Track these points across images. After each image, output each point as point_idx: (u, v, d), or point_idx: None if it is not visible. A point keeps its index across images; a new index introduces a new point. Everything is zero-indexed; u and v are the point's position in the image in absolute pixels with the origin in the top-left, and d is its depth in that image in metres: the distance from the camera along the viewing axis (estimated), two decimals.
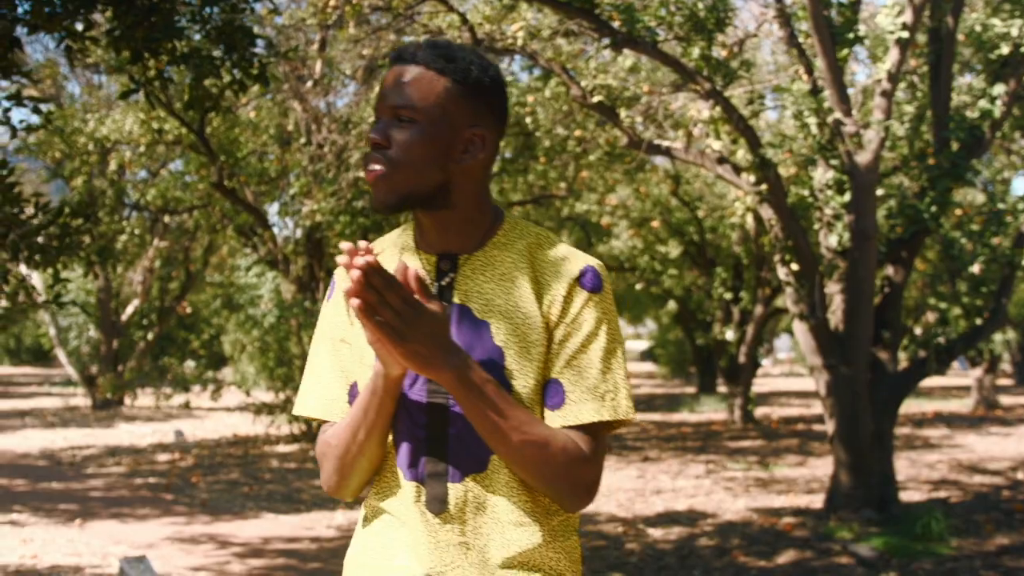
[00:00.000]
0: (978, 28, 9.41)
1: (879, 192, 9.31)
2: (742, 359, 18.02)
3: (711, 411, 21.62)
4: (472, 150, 1.91)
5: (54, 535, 8.58)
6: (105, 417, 20.35)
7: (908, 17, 8.58)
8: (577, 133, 13.99)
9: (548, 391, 1.89)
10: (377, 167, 1.89)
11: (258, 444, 15.61)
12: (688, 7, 8.44)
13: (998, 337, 21.13)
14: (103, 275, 21.25)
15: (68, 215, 6.50)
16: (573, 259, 1.93)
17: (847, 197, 8.75)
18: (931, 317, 14.20)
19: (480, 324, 1.89)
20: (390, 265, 1.98)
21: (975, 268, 9.27)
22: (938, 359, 9.29)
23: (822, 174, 9.05)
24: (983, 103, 9.13)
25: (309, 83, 14.07)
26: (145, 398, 24.19)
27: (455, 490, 1.87)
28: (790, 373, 42.68)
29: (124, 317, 22.67)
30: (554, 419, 1.87)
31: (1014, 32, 8.93)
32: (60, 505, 10.07)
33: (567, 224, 21.42)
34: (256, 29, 10.07)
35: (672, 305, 26.06)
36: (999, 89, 9.07)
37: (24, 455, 14.24)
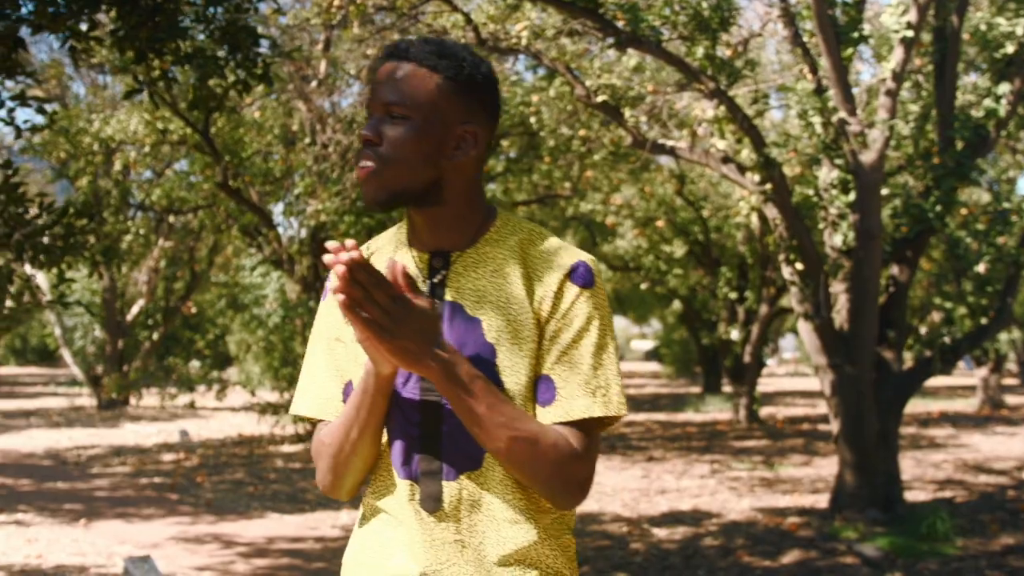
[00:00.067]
0: (983, 27, 9.39)
1: (884, 191, 9.30)
2: (747, 359, 18.00)
3: (716, 411, 21.60)
4: (464, 147, 1.91)
5: (59, 535, 8.59)
6: (110, 417, 20.38)
7: (913, 16, 8.56)
8: (582, 133, 13.99)
9: (539, 387, 1.88)
10: (368, 164, 1.88)
11: (263, 444, 15.62)
12: (692, 6, 8.43)
13: (1003, 336, 21.08)
14: (108, 275, 21.27)
15: (72, 215, 6.51)
16: (565, 254, 1.92)
17: (852, 196, 8.74)
18: (936, 317, 14.18)
19: (472, 321, 1.89)
20: (384, 263, 1.97)
21: (980, 267, 9.25)
22: (943, 359, 9.27)
23: (827, 173, 9.04)
24: (988, 102, 9.11)
25: (313, 83, 14.07)
26: (150, 398, 24.23)
27: (449, 488, 1.87)
28: (795, 373, 42.65)
29: (129, 317, 22.70)
30: (545, 415, 1.86)
31: (1019, 31, 8.91)
32: (65, 505, 10.08)
33: (572, 224, 21.42)
34: (260, 29, 10.08)
35: (677, 305, 26.07)
36: (1004, 88, 9.05)
37: (29, 455, 14.26)
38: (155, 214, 20.28)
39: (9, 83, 6.06)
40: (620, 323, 60.16)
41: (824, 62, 8.65)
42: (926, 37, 9.61)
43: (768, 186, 8.66)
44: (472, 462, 1.86)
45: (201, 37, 6.52)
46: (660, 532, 8.81)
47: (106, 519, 9.35)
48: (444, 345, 1.78)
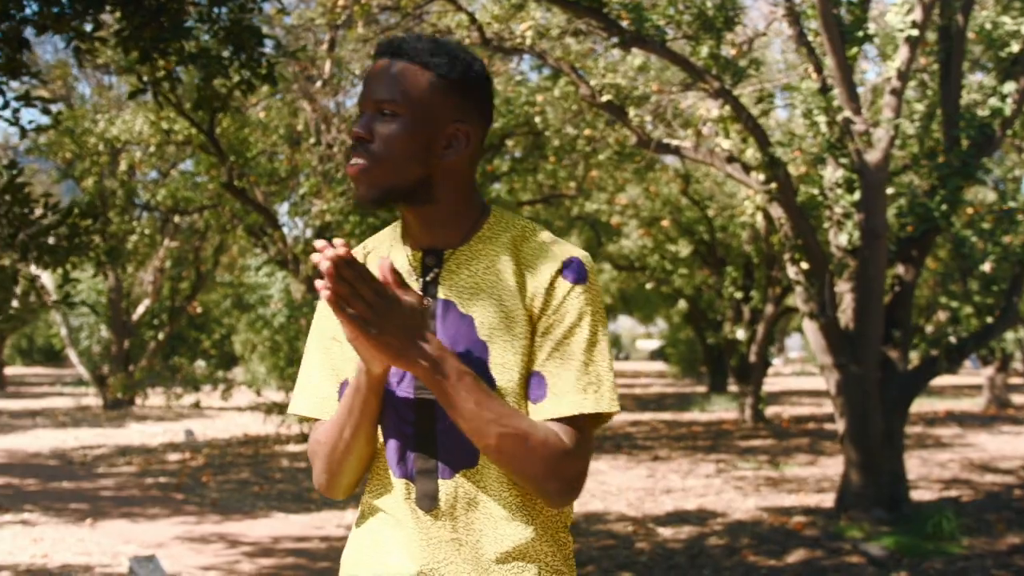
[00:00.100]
0: (988, 26, 9.37)
1: (889, 191, 9.29)
2: (753, 358, 17.99)
3: (722, 410, 21.59)
4: (455, 145, 1.90)
5: (64, 534, 8.60)
6: (116, 417, 20.41)
7: (918, 15, 8.55)
8: (587, 132, 13.99)
9: (531, 384, 1.86)
10: (359, 161, 1.87)
11: (268, 444, 15.64)
12: (697, 6, 8.43)
13: (1010, 336, 21.04)
14: (113, 275, 21.31)
15: (77, 215, 6.52)
16: (557, 250, 1.90)
17: (857, 196, 8.73)
18: (942, 316, 14.15)
19: (465, 318, 1.88)
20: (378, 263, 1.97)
21: (986, 266, 9.23)
22: (949, 358, 9.25)
23: (832, 173, 9.02)
24: (993, 101, 9.09)
25: (318, 83, 14.08)
26: (156, 398, 24.26)
27: (446, 486, 1.86)
28: (801, 372, 42.61)
29: (135, 317, 22.74)
30: (537, 412, 1.85)
31: None
32: (71, 504, 10.10)
33: (577, 223, 21.41)
34: (265, 29, 10.08)
35: (682, 304, 26.05)
36: (1009, 87, 9.03)
37: (35, 455, 14.29)
38: (160, 214, 20.32)
39: (14, 83, 6.06)
40: (626, 323, 60.16)
41: (829, 61, 8.64)
42: (931, 36, 9.59)
43: (773, 185, 8.65)
44: (468, 460, 1.85)
45: (205, 37, 6.53)
46: (665, 531, 8.80)
47: (112, 519, 9.36)
48: (432, 341, 1.77)
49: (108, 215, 18.42)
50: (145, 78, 6.81)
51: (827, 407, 20.57)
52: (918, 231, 9.12)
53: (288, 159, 15.05)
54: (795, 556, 7.80)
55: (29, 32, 6.28)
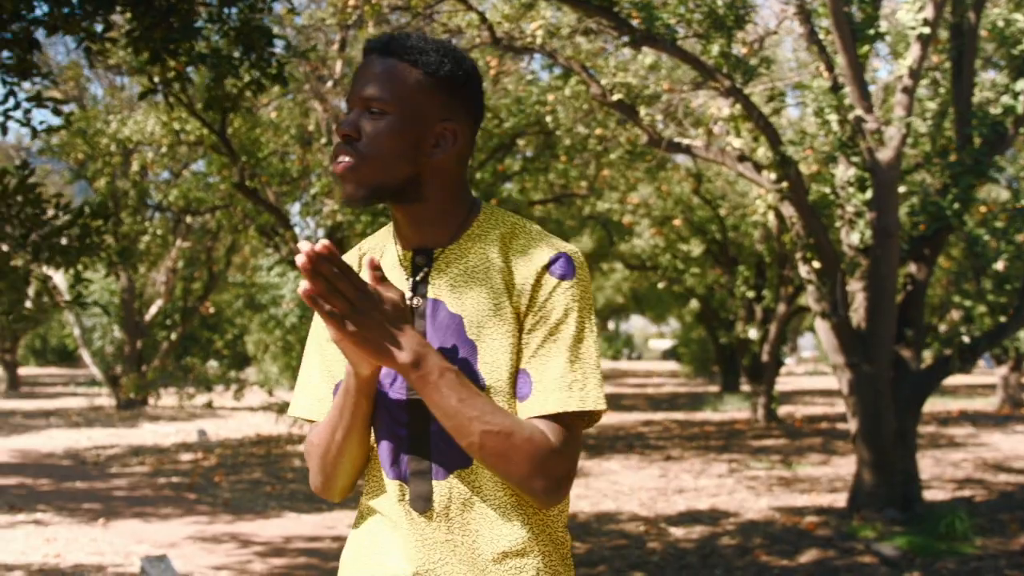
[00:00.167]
0: (1000, 23, 9.33)
1: (901, 189, 9.25)
2: (765, 357, 17.95)
3: (734, 410, 21.55)
4: (443, 144, 1.89)
5: (77, 534, 8.63)
6: (129, 417, 20.46)
7: (929, 13, 8.52)
8: (598, 132, 13.97)
9: (518, 381, 1.85)
10: (346, 159, 1.86)
11: (281, 444, 15.66)
12: (707, 4, 8.41)
13: (1023, 334, 20.95)
14: (126, 276, 21.36)
15: (89, 216, 6.54)
16: (545, 247, 1.89)
17: (869, 194, 8.70)
18: (955, 315, 14.09)
19: (454, 317, 1.87)
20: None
21: (999, 265, 9.19)
22: (962, 357, 9.22)
23: (843, 171, 9.00)
24: (1006, 99, 9.06)
25: (329, 83, 14.09)
26: (168, 398, 24.33)
27: (440, 487, 1.85)
28: (814, 372, 42.49)
29: (148, 317, 22.79)
30: (523, 410, 1.83)
31: None
32: (84, 504, 10.13)
33: (588, 223, 21.39)
34: (275, 29, 10.09)
35: (695, 304, 26.02)
36: (1022, 84, 9.00)
37: (49, 455, 14.33)
38: (173, 215, 20.37)
39: (25, 84, 6.08)
40: (638, 322, 60.12)
41: (840, 59, 8.61)
42: (943, 34, 9.56)
43: (785, 184, 8.63)
44: (462, 460, 1.84)
45: (216, 37, 6.54)
46: (677, 531, 8.79)
47: (124, 519, 9.38)
48: (413, 338, 1.76)
49: (120, 216, 18.49)
50: (156, 79, 6.82)
51: (840, 407, 20.52)
52: (930, 230, 9.09)
53: (300, 159, 15.06)
54: (807, 556, 7.78)
55: (40, 33, 6.30)
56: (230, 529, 8.95)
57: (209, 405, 22.61)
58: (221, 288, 24.54)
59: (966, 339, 9.35)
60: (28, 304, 7.25)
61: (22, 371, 36.19)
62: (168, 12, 5.84)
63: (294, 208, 17.07)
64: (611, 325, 54.87)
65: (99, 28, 6.07)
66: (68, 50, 20.46)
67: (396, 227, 1.96)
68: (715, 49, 8.55)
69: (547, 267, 1.86)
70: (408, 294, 1.91)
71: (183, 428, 18.18)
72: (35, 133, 6.24)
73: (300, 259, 1.65)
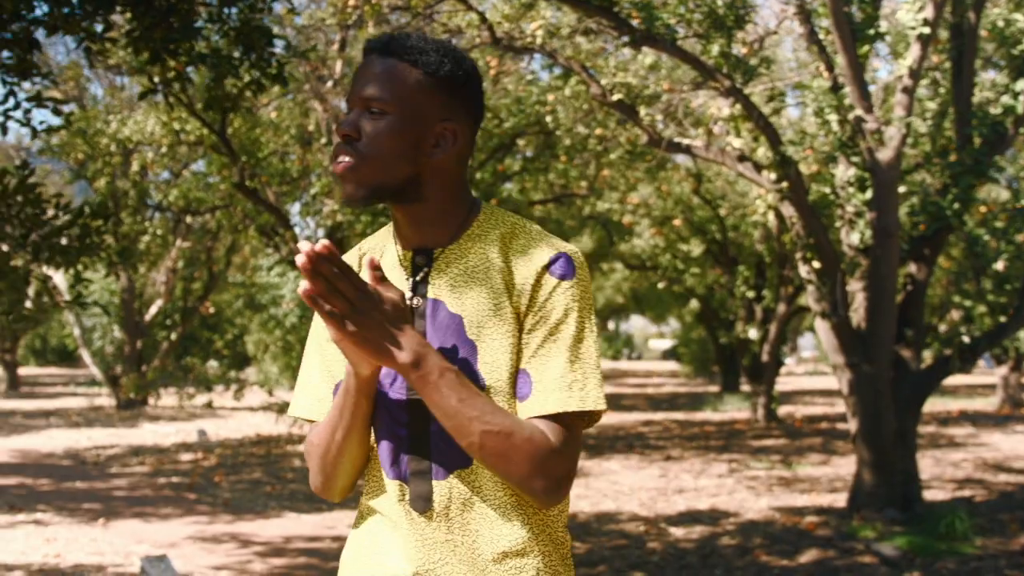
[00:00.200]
0: (1000, 23, 9.33)
1: (901, 189, 9.26)
2: (765, 357, 17.95)
3: (734, 410, 21.55)
4: (443, 144, 1.89)
5: (77, 534, 8.63)
6: (129, 417, 20.46)
7: (929, 12, 8.52)
8: (598, 132, 13.97)
9: (518, 382, 1.85)
10: (346, 159, 1.86)
11: (281, 444, 15.66)
12: (707, 4, 8.41)
13: (1023, 334, 20.95)
14: (126, 276, 21.37)
15: (88, 216, 6.54)
16: (545, 246, 1.88)
17: (869, 194, 8.70)
18: (955, 315, 14.10)
19: (454, 318, 1.87)
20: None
21: (999, 265, 9.19)
22: (962, 357, 9.22)
23: (843, 171, 9.00)
24: (1006, 99, 9.06)
25: (329, 83, 14.09)
26: (168, 398, 24.33)
27: (440, 487, 1.85)
28: (814, 372, 42.49)
29: (148, 317, 22.80)
30: (523, 410, 1.83)
31: None
32: (84, 504, 10.13)
33: (588, 223, 21.39)
34: (275, 29, 10.09)
35: (695, 304, 26.02)
36: (1022, 84, 9.00)
37: (49, 455, 14.33)
38: (173, 215, 20.37)
39: (25, 84, 6.08)
40: (638, 322, 60.12)
41: (840, 59, 8.61)
42: (943, 34, 9.56)
43: (784, 184, 8.63)
44: (462, 460, 1.84)
45: (215, 37, 6.54)
46: (677, 531, 8.79)
47: (124, 519, 9.38)
48: (413, 337, 1.76)
49: (120, 215, 18.49)
50: (156, 79, 6.82)
51: (840, 407, 20.52)
52: (930, 230, 9.09)
53: (300, 159, 15.07)
54: (807, 556, 7.78)
55: (40, 33, 6.30)
56: (230, 529, 8.95)
57: (209, 405, 22.61)
58: (221, 288, 24.55)
59: (966, 339, 9.35)
60: (28, 304, 7.25)
61: (22, 371, 36.19)
62: (168, 12, 5.84)
63: (294, 208, 17.07)
64: (611, 325, 54.89)
65: (99, 28, 6.07)
66: (68, 50, 20.46)
67: (396, 227, 1.96)
68: (715, 49, 8.55)
69: (547, 267, 1.86)
70: (408, 294, 1.91)
71: (183, 428, 18.18)
72: (35, 133, 6.24)
73: (300, 259, 1.65)
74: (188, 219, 20.24)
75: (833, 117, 8.62)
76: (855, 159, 8.71)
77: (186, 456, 14.22)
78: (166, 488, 11.30)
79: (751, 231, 18.77)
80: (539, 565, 1.87)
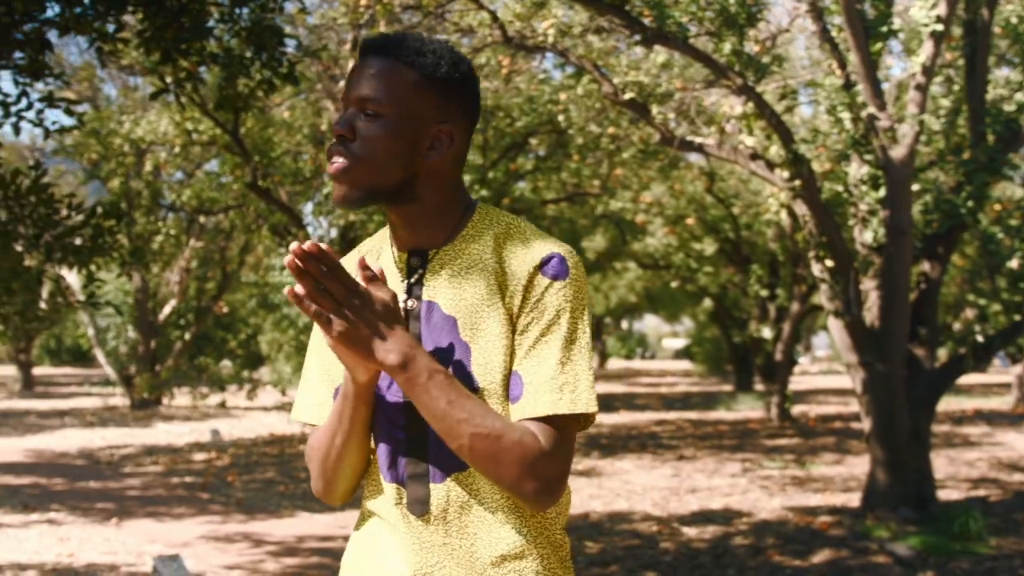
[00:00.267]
0: (1014, 20, 9.29)
1: (914, 187, 9.22)
2: (779, 356, 17.90)
3: (748, 409, 21.51)
4: (439, 146, 1.87)
5: (91, 534, 8.65)
6: (143, 417, 20.52)
7: (942, 9, 8.48)
8: (610, 130, 13.96)
9: (510, 383, 1.83)
10: (340, 160, 1.84)
11: (294, 443, 15.68)
12: (719, 2, 8.39)
13: None
14: (140, 276, 21.43)
15: (101, 216, 6.55)
16: (539, 246, 1.86)
17: (882, 192, 8.67)
18: (970, 313, 14.04)
19: (448, 319, 1.85)
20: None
21: (1014, 263, 9.15)
22: (976, 356, 9.18)
23: (856, 169, 8.97)
24: (1020, 96, 9.01)
25: (342, 83, 14.11)
26: (182, 398, 24.40)
27: (437, 490, 1.84)
28: (828, 371, 42.41)
29: (161, 317, 22.87)
30: (514, 412, 1.81)
31: None
32: (97, 504, 10.15)
33: (602, 222, 21.39)
34: (287, 29, 10.10)
35: (708, 303, 25.99)
36: None
37: (63, 454, 14.38)
38: (186, 214, 20.43)
39: (38, 85, 6.09)
40: (651, 321, 60.08)
41: (853, 57, 8.58)
42: (956, 31, 9.52)
43: (797, 182, 8.61)
44: (460, 463, 1.83)
45: (227, 37, 6.55)
46: (690, 531, 8.77)
47: (137, 518, 9.40)
48: (403, 338, 1.75)
49: (133, 215, 18.55)
50: (168, 79, 6.83)
51: (854, 406, 20.46)
52: (944, 228, 9.05)
53: (312, 159, 15.10)
54: (821, 556, 7.75)
55: (52, 34, 6.31)
56: (243, 529, 8.97)
57: (222, 405, 22.66)
58: (234, 288, 24.61)
59: (980, 337, 9.31)
60: (42, 304, 7.26)
61: (36, 371, 36.34)
62: (180, 12, 5.84)
63: (307, 207, 17.11)
64: (624, 324, 54.85)
65: (111, 28, 6.08)
66: (80, 51, 20.53)
67: (392, 229, 1.95)
68: (727, 47, 8.52)
69: (540, 267, 1.83)
70: (403, 296, 1.90)
71: (196, 428, 18.22)
72: (47, 133, 6.26)
73: (287, 259, 1.64)
74: (201, 219, 20.30)
75: (846, 115, 8.59)
76: (868, 157, 8.68)
77: (199, 456, 14.25)
78: (179, 488, 11.33)
79: (764, 230, 18.73)
80: (537, 568, 1.85)
